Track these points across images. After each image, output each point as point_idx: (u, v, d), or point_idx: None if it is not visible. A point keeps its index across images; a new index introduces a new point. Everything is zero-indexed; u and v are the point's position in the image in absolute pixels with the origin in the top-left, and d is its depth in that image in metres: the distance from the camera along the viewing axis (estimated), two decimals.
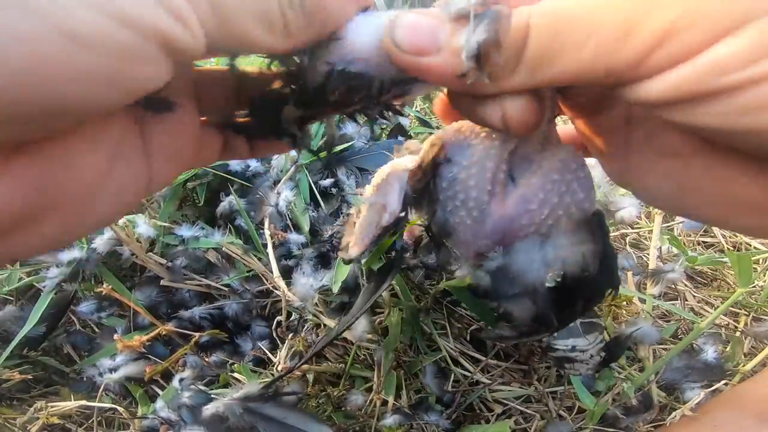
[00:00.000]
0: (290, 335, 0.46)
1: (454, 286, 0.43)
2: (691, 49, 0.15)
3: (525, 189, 0.22)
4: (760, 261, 0.64)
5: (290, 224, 0.54)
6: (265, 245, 0.50)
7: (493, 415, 0.45)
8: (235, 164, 0.54)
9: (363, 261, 0.46)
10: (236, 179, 0.55)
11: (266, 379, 0.44)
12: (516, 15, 0.17)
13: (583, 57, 0.16)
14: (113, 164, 0.19)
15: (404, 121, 0.72)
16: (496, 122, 0.20)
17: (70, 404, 0.43)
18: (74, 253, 0.46)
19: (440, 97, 0.24)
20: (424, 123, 0.83)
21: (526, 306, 0.23)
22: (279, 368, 0.43)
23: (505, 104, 0.19)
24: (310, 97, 0.20)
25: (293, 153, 0.57)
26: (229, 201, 0.52)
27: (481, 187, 0.23)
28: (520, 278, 0.22)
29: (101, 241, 0.46)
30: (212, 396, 0.42)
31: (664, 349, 0.51)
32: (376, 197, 0.24)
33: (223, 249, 0.49)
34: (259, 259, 0.50)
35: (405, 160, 0.24)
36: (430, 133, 0.79)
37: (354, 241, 0.25)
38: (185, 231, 0.49)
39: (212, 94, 0.24)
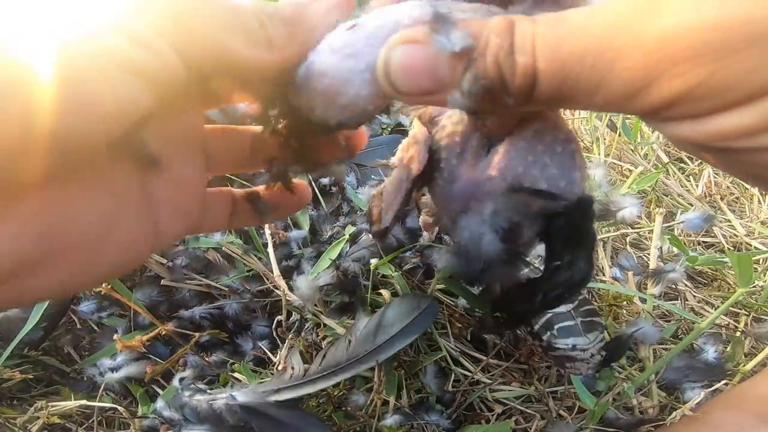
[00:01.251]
0: (290, 335, 0.46)
1: (444, 276, 0.43)
2: (704, 113, 0.15)
3: (492, 156, 0.22)
4: (761, 261, 0.64)
5: (290, 223, 0.54)
6: (265, 245, 0.50)
7: (493, 415, 0.45)
8: None
9: (374, 262, 0.46)
10: (236, 179, 0.55)
11: (266, 379, 0.44)
12: (521, 52, 0.16)
13: (593, 103, 0.16)
14: (117, 216, 0.18)
15: (404, 120, 0.72)
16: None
17: (71, 404, 0.43)
18: None
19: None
20: None
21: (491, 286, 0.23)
22: (279, 368, 0.43)
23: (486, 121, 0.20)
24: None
25: None
26: None
27: (452, 148, 0.23)
28: (472, 254, 0.21)
29: None
30: (213, 395, 0.42)
31: (664, 349, 0.51)
32: (403, 154, 0.25)
33: (223, 249, 0.49)
34: (259, 259, 0.50)
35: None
36: None
37: (385, 207, 0.25)
38: None
39: (225, 153, 0.23)
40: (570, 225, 0.22)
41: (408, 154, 0.25)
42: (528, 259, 0.23)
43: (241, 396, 0.38)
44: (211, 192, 0.24)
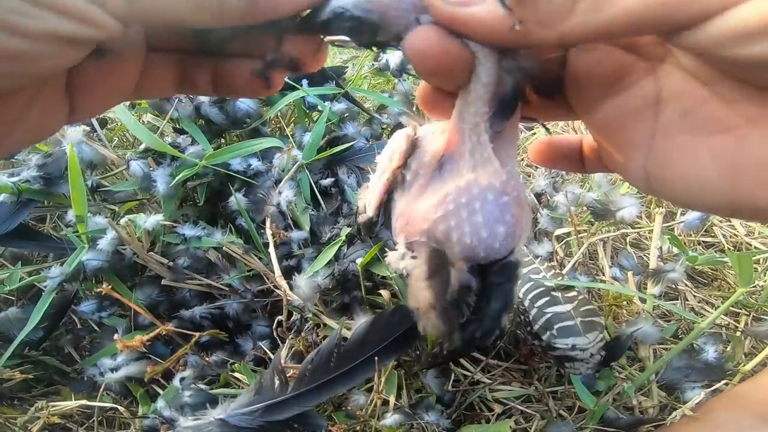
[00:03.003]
0: (291, 335, 0.46)
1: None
2: None
3: (434, 184, 0.22)
4: (761, 261, 0.64)
5: (291, 224, 0.54)
6: (266, 245, 0.50)
7: (493, 415, 0.45)
8: (236, 164, 0.54)
9: (359, 261, 0.46)
10: (238, 177, 0.55)
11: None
12: None
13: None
14: (32, 101, 0.19)
15: (405, 121, 0.72)
16: None
17: (71, 404, 0.43)
18: (79, 255, 0.46)
19: (423, 88, 0.23)
20: None
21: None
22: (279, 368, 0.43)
23: None
24: (313, 28, 0.20)
25: (295, 152, 0.57)
26: (233, 201, 0.52)
27: (410, 175, 0.23)
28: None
29: (105, 242, 0.46)
30: (213, 395, 0.42)
31: (664, 348, 0.51)
32: (386, 149, 0.25)
33: (224, 248, 0.49)
34: (260, 259, 0.50)
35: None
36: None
37: (369, 198, 0.25)
38: (188, 230, 0.49)
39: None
40: (490, 282, 0.22)
41: (392, 145, 0.25)
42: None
43: (233, 419, 0.37)
44: (154, 62, 0.22)
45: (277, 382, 0.38)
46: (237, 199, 0.51)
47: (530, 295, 0.44)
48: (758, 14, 0.15)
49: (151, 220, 0.47)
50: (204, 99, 0.56)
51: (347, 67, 0.78)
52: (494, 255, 0.22)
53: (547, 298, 0.43)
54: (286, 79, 0.63)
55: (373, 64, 0.81)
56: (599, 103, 0.21)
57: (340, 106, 0.65)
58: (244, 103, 0.58)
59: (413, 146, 0.24)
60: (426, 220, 0.22)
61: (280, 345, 0.46)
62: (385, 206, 0.25)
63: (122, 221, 0.47)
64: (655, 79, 0.20)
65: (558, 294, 0.43)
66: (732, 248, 0.66)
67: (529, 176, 0.80)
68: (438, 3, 0.18)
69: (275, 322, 0.48)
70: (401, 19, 0.19)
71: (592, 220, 0.56)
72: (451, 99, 0.21)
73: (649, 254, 0.60)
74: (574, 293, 0.43)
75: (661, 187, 0.20)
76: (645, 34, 0.18)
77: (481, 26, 0.18)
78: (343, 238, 0.49)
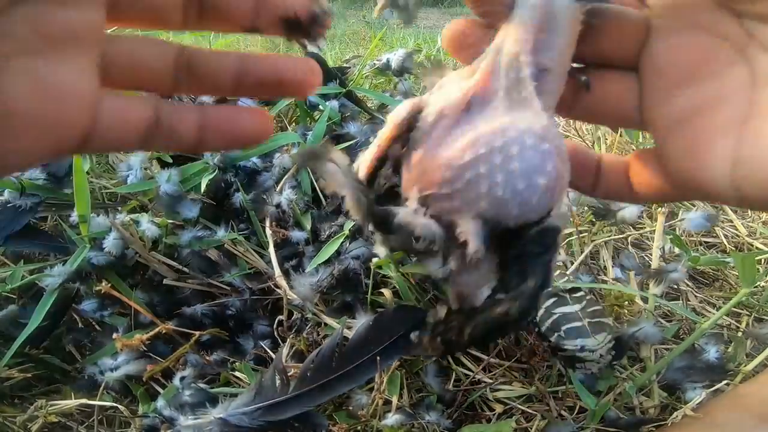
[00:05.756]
0: (291, 334, 0.46)
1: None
2: None
3: (460, 136, 0.19)
4: (762, 261, 0.64)
5: (292, 222, 0.53)
6: (267, 243, 0.50)
7: (494, 415, 0.45)
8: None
9: (374, 260, 0.45)
10: (239, 172, 0.55)
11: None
12: None
13: None
14: None
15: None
16: None
17: (71, 402, 0.43)
18: (81, 253, 0.46)
19: (455, 23, 0.20)
20: None
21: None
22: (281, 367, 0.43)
23: None
24: None
25: (295, 151, 0.57)
26: (237, 198, 0.52)
27: (429, 119, 0.20)
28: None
29: (110, 242, 0.46)
30: (213, 395, 0.42)
31: (666, 348, 0.51)
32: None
33: (225, 246, 0.49)
34: (262, 257, 0.50)
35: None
36: None
37: (363, 161, 0.22)
38: (187, 235, 0.48)
39: (132, 65, 0.20)
40: (524, 252, 0.19)
41: (393, 113, 0.21)
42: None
43: (234, 419, 0.37)
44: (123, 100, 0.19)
45: (278, 382, 0.37)
46: (243, 197, 0.51)
47: None
48: None
49: (152, 228, 0.47)
50: (206, 98, 0.56)
51: (349, 66, 0.78)
52: (529, 214, 0.19)
53: (554, 299, 0.42)
54: None
55: (374, 64, 0.81)
56: (679, 91, 0.20)
57: (341, 103, 0.65)
58: (245, 103, 0.57)
59: (418, 111, 0.20)
60: (449, 167, 0.18)
61: (281, 344, 0.46)
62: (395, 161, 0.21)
63: (124, 220, 0.47)
64: (746, 62, 0.19)
65: (566, 294, 0.43)
66: (734, 248, 0.66)
67: None
68: None
69: (276, 321, 0.48)
70: None
71: (594, 220, 0.56)
72: (485, 36, 0.20)
73: (650, 254, 0.60)
74: (581, 293, 0.43)
75: (754, 176, 0.18)
76: None
77: None
78: (346, 232, 0.49)
